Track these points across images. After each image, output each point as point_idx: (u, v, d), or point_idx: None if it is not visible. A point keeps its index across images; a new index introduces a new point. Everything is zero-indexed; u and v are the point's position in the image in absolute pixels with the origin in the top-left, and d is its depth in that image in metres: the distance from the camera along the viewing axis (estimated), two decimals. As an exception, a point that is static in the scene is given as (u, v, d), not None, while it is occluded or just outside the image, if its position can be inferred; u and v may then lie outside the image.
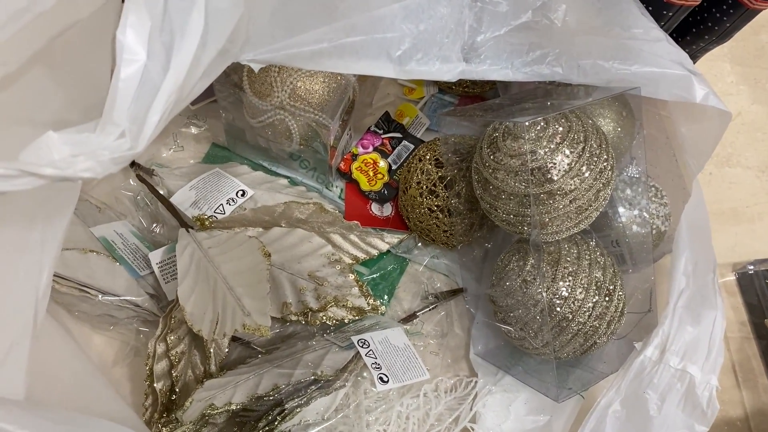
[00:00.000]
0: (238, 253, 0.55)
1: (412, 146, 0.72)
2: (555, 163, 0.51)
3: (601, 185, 0.53)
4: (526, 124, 0.52)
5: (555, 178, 0.51)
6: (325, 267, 0.56)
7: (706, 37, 0.66)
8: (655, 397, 0.54)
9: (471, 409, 0.60)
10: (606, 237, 0.61)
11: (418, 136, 0.73)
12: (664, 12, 0.59)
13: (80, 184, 0.51)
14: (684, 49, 0.56)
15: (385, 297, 0.67)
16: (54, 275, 0.53)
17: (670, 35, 0.58)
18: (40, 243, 0.48)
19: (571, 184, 0.52)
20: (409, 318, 0.65)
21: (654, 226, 0.62)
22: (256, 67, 0.48)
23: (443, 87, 0.75)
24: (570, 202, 0.52)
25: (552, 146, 0.51)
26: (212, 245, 0.58)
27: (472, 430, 0.59)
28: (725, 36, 0.65)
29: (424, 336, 0.66)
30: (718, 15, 0.63)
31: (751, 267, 0.70)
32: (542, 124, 0.52)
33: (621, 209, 0.60)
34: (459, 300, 0.67)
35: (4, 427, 0.33)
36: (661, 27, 0.57)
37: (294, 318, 0.60)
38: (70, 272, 0.61)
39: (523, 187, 0.52)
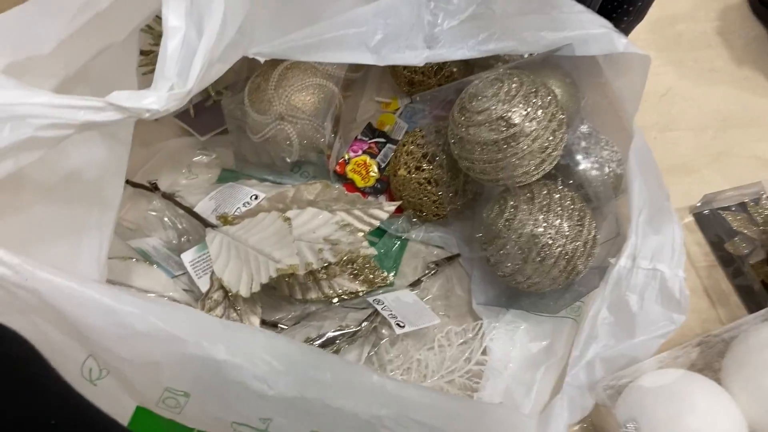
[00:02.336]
0: (262, 225, 0.64)
1: (395, 147, 0.83)
2: (513, 111, 0.62)
3: (556, 125, 0.64)
4: (488, 83, 0.63)
5: (515, 122, 0.62)
6: (337, 231, 0.65)
7: (625, 18, 0.79)
8: (634, 297, 0.62)
9: (481, 345, 0.68)
10: (571, 185, 0.71)
11: (399, 138, 0.84)
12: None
13: (124, 175, 0.61)
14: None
15: (392, 272, 0.75)
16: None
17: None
18: (98, 224, 0.57)
19: (530, 126, 0.62)
20: (415, 284, 0.74)
21: (611, 170, 0.72)
22: (261, 59, 0.59)
23: (412, 96, 0.88)
24: (532, 141, 0.63)
25: (509, 98, 0.63)
26: (238, 230, 0.67)
27: (484, 362, 0.67)
28: (640, 14, 0.79)
29: (430, 299, 0.74)
30: (630, -4, 0.77)
31: (705, 206, 0.80)
32: (498, 83, 0.64)
33: (578, 157, 0.71)
34: (456, 266, 0.76)
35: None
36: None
37: (317, 294, 0.68)
38: (113, 276, 0.69)
39: (492, 135, 0.63)
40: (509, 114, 0.62)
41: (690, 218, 0.81)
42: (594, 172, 0.71)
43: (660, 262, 0.63)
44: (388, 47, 0.65)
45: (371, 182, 0.81)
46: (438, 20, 0.68)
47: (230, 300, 0.65)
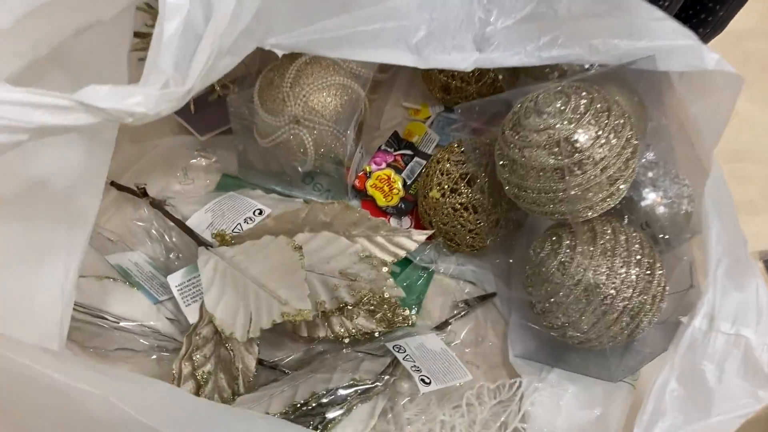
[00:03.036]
0: (267, 253, 0.53)
1: (424, 161, 0.72)
2: (582, 132, 0.51)
3: (629, 153, 0.53)
4: (551, 97, 0.52)
5: (584, 147, 0.51)
6: (356, 264, 0.54)
7: (700, 30, 0.68)
8: (712, 367, 0.52)
9: (519, 410, 0.57)
10: (635, 221, 0.60)
11: (429, 152, 0.73)
12: (659, 3, 0.62)
13: (102, 187, 0.50)
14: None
15: (414, 310, 0.64)
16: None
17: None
18: (66, 243, 0.46)
19: (600, 152, 0.51)
20: (442, 326, 0.63)
21: (681, 207, 0.61)
22: (279, 53, 0.48)
23: (449, 104, 0.76)
24: (601, 171, 0.52)
25: (577, 117, 0.52)
26: (236, 254, 0.56)
27: (524, 430, 0.56)
28: (719, 26, 0.68)
29: (458, 345, 0.63)
30: (710, 5, 0.66)
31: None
32: (564, 97, 0.53)
33: (646, 190, 0.60)
34: (489, 307, 0.65)
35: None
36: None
37: (325, 333, 0.57)
38: (85, 299, 0.58)
39: (552, 160, 0.52)
40: (576, 136, 0.51)
41: (758, 264, 0.70)
42: (662, 209, 0.60)
43: (744, 326, 0.52)
44: (432, 46, 0.54)
45: (395, 201, 0.70)
46: (491, 18, 0.57)
47: (222, 337, 0.54)
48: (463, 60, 0.56)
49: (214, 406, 0.37)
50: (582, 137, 0.51)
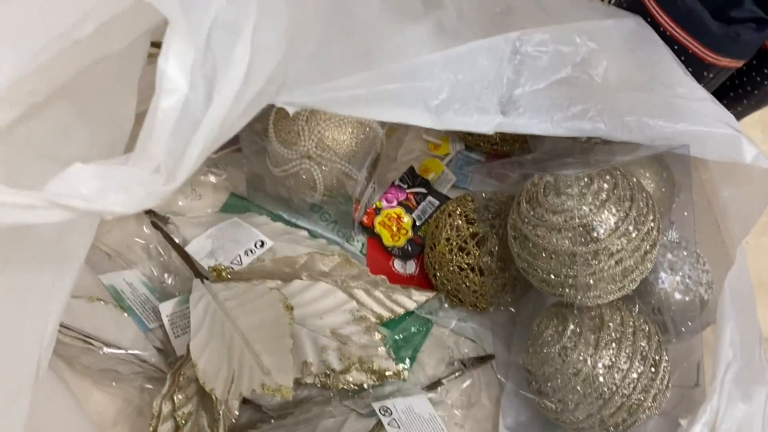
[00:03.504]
0: (258, 305, 0.51)
1: (438, 202, 0.69)
2: (601, 221, 0.48)
3: (648, 246, 0.50)
4: (572, 178, 0.49)
5: (601, 236, 0.48)
6: (349, 324, 0.52)
7: (744, 101, 0.64)
8: (706, 481, 0.50)
9: (502, 488, 0.55)
10: (647, 304, 0.58)
11: (444, 192, 0.71)
12: (704, 73, 0.58)
13: (96, 226, 0.48)
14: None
15: (407, 362, 0.62)
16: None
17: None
18: (49, 288, 0.45)
19: (617, 244, 0.49)
20: (434, 386, 0.61)
21: (697, 294, 0.58)
22: (291, 111, 0.45)
23: (470, 144, 0.74)
24: (616, 263, 0.49)
25: (597, 203, 0.49)
26: (229, 297, 0.54)
27: None
28: (764, 101, 0.64)
29: (448, 406, 0.61)
30: (758, 79, 0.61)
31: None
32: (586, 179, 0.50)
33: (663, 275, 0.57)
34: (487, 368, 0.63)
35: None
36: (701, 89, 0.56)
37: (313, 381, 0.56)
38: (75, 322, 0.57)
39: (566, 245, 0.49)
40: (594, 224, 0.49)
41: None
42: (678, 295, 0.57)
43: (747, 442, 0.50)
44: (453, 108, 0.51)
45: (401, 242, 0.67)
46: (521, 79, 0.53)
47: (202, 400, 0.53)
48: (486, 123, 0.53)
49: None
50: (600, 227, 0.48)
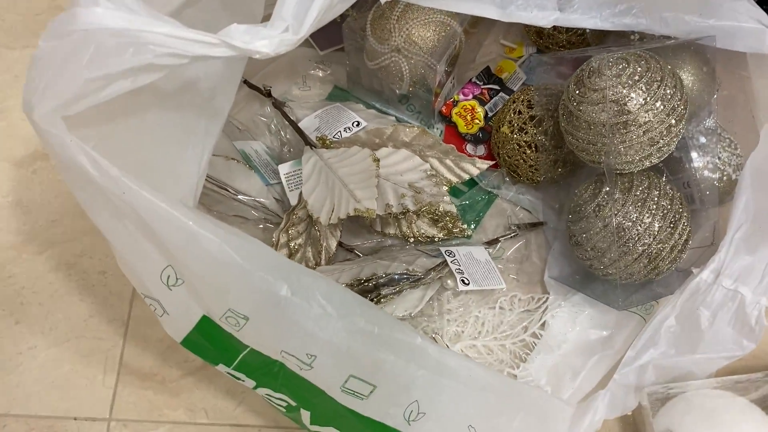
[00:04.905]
0: (353, 160, 0.66)
1: (508, 97, 0.81)
2: (632, 98, 0.59)
3: (673, 121, 0.60)
4: (610, 62, 0.60)
5: (631, 110, 0.59)
6: (423, 180, 0.66)
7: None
8: (707, 313, 0.60)
9: (540, 319, 0.68)
10: (678, 180, 0.68)
11: (515, 89, 0.82)
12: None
13: (233, 94, 0.64)
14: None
15: (472, 225, 0.76)
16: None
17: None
18: (204, 131, 0.61)
19: (645, 117, 0.59)
20: (493, 242, 0.74)
21: (725, 173, 0.67)
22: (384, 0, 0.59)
23: (541, 47, 0.84)
24: (643, 133, 0.60)
25: (630, 83, 0.59)
26: (331, 156, 0.69)
27: (540, 335, 0.68)
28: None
29: (504, 260, 0.74)
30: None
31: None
32: (624, 63, 0.60)
33: (694, 154, 0.67)
34: (538, 232, 0.76)
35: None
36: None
37: (395, 231, 0.70)
38: (215, 173, 0.74)
39: (603, 116, 0.60)
40: (626, 99, 0.59)
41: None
42: (706, 173, 0.67)
43: (744, 285, 0.60)
44: (516, 4, 0.63)
45: (474, 129, 0.80)
46: (576, -19, 0.64)
47: (312, 218, 0.69)
48: (544, 17, 0.64)
49: (299, 266, 0.51)
50: (630, 102, 0.59)
